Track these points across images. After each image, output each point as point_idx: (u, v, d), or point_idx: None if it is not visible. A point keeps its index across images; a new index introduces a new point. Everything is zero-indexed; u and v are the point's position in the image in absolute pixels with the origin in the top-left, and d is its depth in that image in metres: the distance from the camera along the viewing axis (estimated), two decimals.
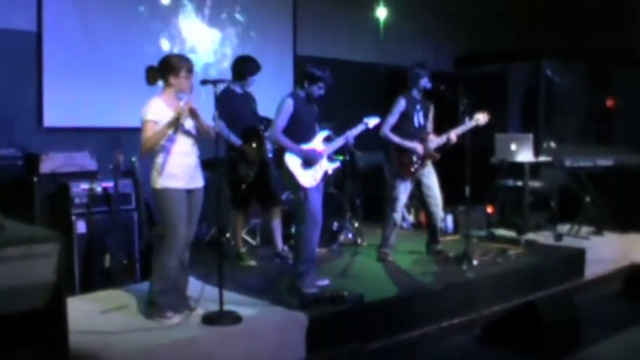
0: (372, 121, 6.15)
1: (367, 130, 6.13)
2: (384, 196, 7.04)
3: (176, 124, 4.57)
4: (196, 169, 4.82)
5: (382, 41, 9.04)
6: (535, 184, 8.34)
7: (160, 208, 4.70)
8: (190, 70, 4.75)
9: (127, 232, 5.98)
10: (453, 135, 6.69)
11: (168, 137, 4.61)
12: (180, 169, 4.67)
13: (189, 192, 4.74)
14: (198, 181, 4.84)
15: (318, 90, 5.65)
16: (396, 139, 6.63)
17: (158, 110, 4.61)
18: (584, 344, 5.45)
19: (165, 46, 7.64)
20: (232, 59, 6.74)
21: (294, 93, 5.74)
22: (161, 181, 4.63)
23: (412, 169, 6.67)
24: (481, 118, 6.72)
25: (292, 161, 5.56)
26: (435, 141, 6.76)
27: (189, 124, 4.73)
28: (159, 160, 4.65)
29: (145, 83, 4.75)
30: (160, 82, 4.76)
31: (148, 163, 4.79)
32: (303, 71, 5.75)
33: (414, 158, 6.65)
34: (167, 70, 4.71)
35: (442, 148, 6.81)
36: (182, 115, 4.54)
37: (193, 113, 4.67)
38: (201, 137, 4.84)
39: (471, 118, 6.70)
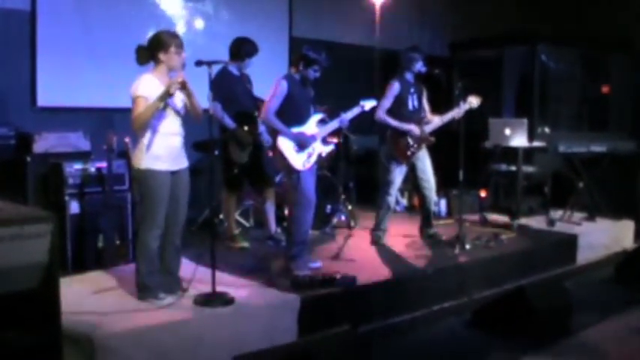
0: (368, 104, 6.12)
1: (362, 113, 6.12)
2: (378, 179, 7.03)
3: (167, 97, 4.46)
4: (181, 150, 4.75)
5: (378, 24, 8.99)
6: (528, 169, 8.36)
7: (141, 189, 4.64)
8: (180, 45, 4.66)
9: (120, 212, 5.96)
10: (456, 114, 6.66)
11: (156, 116, 4.51)
12: (165, 150, 4.60)
13: (173, 173, 4.68)
14: (182, 162, 4.77)
15: (313, 73, 5.61)
16: (392, 121, 6.60)
17: (149, 86, 4.52)
18: (575, 329, 5.50)
19: (159, 26, 7.54)
20: (229, 41, 6.69)
21: (289, 75, 5.68)
22: (145, 162, 4.57)
23: (408, 153, 6.65)
24: (474, 101, 6.71)
25: (285, 144, 5.54)
26: (433, 123, 6.75)
27: (179, 102, 4.67)
28: (144, 140, 4.56)
29: (136, 63, 4.69)
30: (152, 63, 4.68)
31: None
32: (299, 53, 5.69)
33: (411, 142, 6.63)
34: (157, 46, 4.63)
35: (436, 132, 6.80)
36: (172, 85, 4.42)
37: (185, 87, 4.54)
38: (189, 117, 4.76)
39: (464, 101, 6.70)
